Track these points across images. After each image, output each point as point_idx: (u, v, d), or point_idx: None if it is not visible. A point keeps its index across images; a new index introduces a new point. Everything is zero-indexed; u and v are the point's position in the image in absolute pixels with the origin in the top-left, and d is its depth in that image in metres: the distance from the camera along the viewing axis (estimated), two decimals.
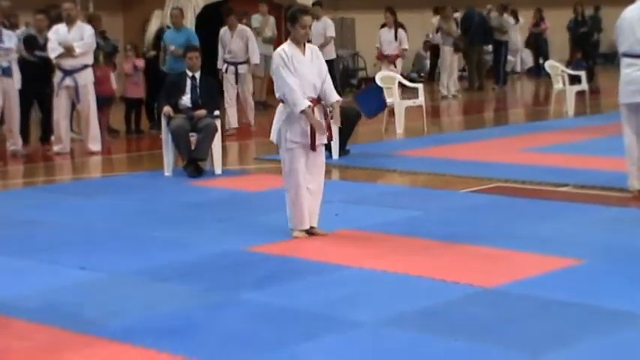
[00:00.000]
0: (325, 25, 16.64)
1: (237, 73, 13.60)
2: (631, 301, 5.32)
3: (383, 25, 16.84)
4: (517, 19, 22.20)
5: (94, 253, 6.70)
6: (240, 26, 13.79)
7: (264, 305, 5.42)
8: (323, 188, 7.09)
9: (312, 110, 6.85)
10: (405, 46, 16.23)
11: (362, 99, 11.66)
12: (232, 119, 13.43)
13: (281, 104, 6.97)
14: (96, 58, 12.30)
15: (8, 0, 12.37)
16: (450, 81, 18.87)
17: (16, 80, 11.39)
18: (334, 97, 6.96)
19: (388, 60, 16.00)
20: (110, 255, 6.64)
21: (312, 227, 7.01)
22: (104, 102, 12.58)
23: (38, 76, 11.75)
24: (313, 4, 17.40)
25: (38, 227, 7.60)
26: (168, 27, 13.94)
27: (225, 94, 13.41)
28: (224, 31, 13.68)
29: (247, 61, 13.66)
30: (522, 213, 7.84)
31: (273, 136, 7.02)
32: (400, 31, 16.30)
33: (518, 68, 23.82)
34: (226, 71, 13.59)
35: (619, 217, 7.60)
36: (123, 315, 5.28)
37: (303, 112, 6.75)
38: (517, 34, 22.20)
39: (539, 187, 9.01)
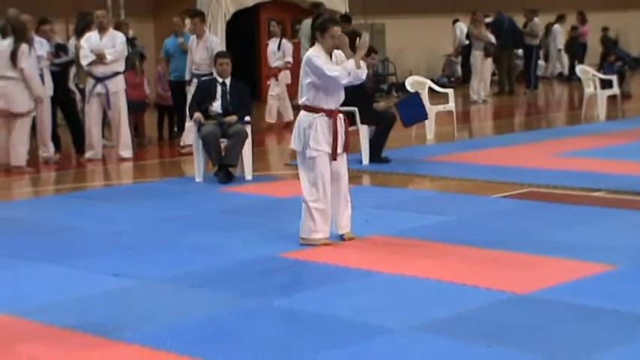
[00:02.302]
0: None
1: None
2: None
3: (270, 36, 15.80)
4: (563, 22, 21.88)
5: (126, 259, 6.74)
6: (208, 34, 12.39)
7: (296, 312, 5.42)
8: (349, 195, 7.08)
9: (335, 122, 6.87)
10: (289, 59, 14.90)
11: (402, 107, 11.57)
12: (186, 138, 11.93)
13: (303, 112, 6.95)
14: (132, 63, 12.43)
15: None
16: (480, 86, 18.80)
17: (47, 87, 11.50)
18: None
19: (270, 72, 15.26)
20: (142, 261, 6.67)
21: (344, 234, 7.04)
22: (139, 107, 12.76)
23: (58, 82, 11.80)
24: (312, 5, 17.43)
25: (70, 234, 7.65)
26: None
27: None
28: (192, 39, 12.33)
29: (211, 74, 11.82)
30: (554, 218, 7.79)
31: (294, 144, 7.01)
32: (284, 42, 15.18)
33: (565, 71, 23.35)
34: (189, 84, 12.16)
35: None
36: (155, 321, 5.30)
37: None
38: (562, 38, 21.76)
39: (571, 192, 8.95)
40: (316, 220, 6.89)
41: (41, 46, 11.43)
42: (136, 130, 12.97)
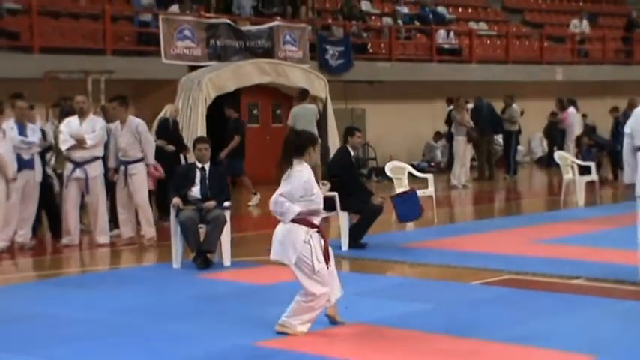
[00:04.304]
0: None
1: (126, 174, 11.68)
2: None
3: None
4: (577, 109, 22.00)
5: (99, 348, 6.60)
6: (132, 118, 11.79)
7: None
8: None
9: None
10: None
11: (399, 203, 11.57)
12: (124, 228, 11.86)
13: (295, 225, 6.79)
14: None
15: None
16: (461, 171, 18.92)
17: (37, 173, 11.48)
18: None
19: None
20: (115, 350, 6.54)
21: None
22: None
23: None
24: (300, 92, 17.72)
25: (41, 322, 7.50)
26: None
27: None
28: (115, 125, 11.78)
29: (141, 160, 11.72)
30: (534, 306, 7.73)
31: (286, 256, 6.81)
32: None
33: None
34: (117, 172, 11.77)
35: (632, 311, 7.48)
36: None
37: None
38: (578, 124, 21.76)
39: (550, 279, 8.92)
40: (314, 310, 6.83)
41: (34, 133, 11.44)
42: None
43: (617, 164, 19.34)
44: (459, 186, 18.61)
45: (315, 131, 16.65)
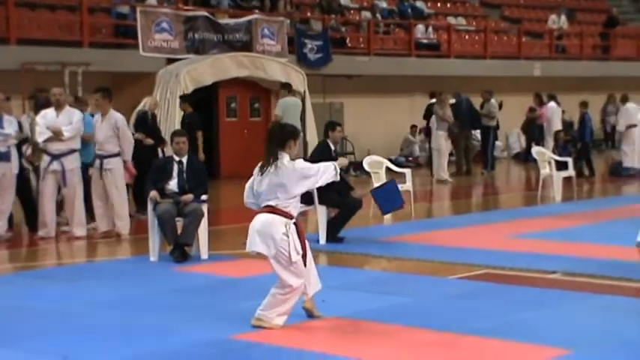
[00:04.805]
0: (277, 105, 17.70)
1: (102, 168, 11.60)
2: None
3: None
4: (558, 103, 21.98)
5: (76, 341, 6.56)
6: (112, 112, 11.69)
7: None
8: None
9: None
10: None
11: (379, 195, 11.55)
12: (101, 222, 11.77)
13: (275, 216, 6.76)
14: None
15: None
16: (442, 165, 19.01)
17: (14, 165, 11.38)
18: None
19: None
20: (92, 343, 6.50)
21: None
22: None
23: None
24: (280, 86, 17.89)
25: (18, 314, 7.46)
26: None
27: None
28: (97, 117, 11.82)
29: (117, 155, 11.62)
30: (511, 300, 7.75)
31: (264, 247, 6.75)
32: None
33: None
34: (92, 165, 11.70)
35: (609, 305, 7.52)
36: None
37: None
38: (558, 119, 21.57)
39: (527, 273, 8.95)
40: (291, 302, 6.83)
41: (10, 124, 11.35)
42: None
43: (589, 159, 19.46)
44: (449, 180, 18.68)
45: (299, 124, 16.79)
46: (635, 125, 19.99)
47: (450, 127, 19.31)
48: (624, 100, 20.65)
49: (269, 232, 6.73)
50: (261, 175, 6.82)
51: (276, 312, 6.81)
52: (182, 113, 16.44)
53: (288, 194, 6.76)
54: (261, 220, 6.80)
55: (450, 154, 20.43)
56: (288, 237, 6.70)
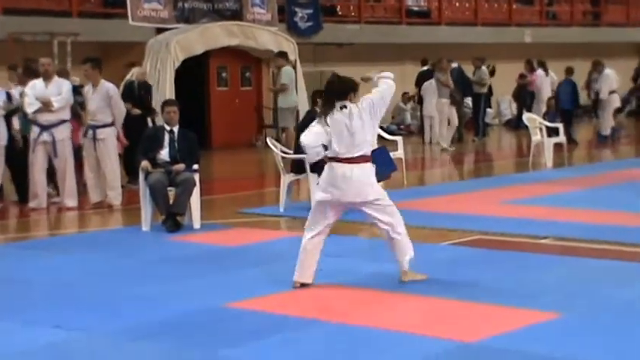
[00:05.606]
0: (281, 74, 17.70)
1: (95, 139, 11.55)
2: (608, 354, 5.29)
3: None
4: (546, 71, 21.92)
5: (70, 311, 6.59)
6: (103, 82, 11.62)
7: None
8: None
9: None
10: None
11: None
12: (92, 193, 11.68)
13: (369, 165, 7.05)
14: (75, 111, 12.22)
15: None
16: (448, 133, 19.04)
17: (2, 136, 11.34)
18: None
19: None
20: (86, 313, 6.52)
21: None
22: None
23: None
24: (276, 55, 17.90)
25: (12, 285, 7.47)
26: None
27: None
28: (87, 88, 11.75)
29: (111, 125, 11.60)
30: (502, 266, 7.80)
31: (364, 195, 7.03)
32: None
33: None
34: (85, 135, 11.71)
35: (598, 270, 7.57)
36: None
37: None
38: (547, 86, 21.48)
39: (519, 239, 8.99)
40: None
41: None
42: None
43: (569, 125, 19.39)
44: (450, 148, 18.68)
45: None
46: (615, 91, 20.09)
47: (452, 94, 19.29)
48: (596, 65, 20.61)
49: (367, 181, 6.97)
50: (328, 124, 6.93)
51: (409, 254, 7.02)
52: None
53: (375, 129, 7.08)
54: (357, 171, 6.92)
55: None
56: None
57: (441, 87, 19.22)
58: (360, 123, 6.93)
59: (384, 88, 7.14)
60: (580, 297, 6.60)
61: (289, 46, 19.68)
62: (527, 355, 5.32)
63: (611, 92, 20.02)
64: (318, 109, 11.13)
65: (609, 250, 8.26)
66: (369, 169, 7.05)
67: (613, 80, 20.05)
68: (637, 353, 5.31)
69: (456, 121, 19.51)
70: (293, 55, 19.58)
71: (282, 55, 18.28)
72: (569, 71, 20.00)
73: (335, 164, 6.96)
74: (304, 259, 7.01)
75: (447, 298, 6.65)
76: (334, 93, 7.01)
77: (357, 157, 6.93)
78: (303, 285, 7.03)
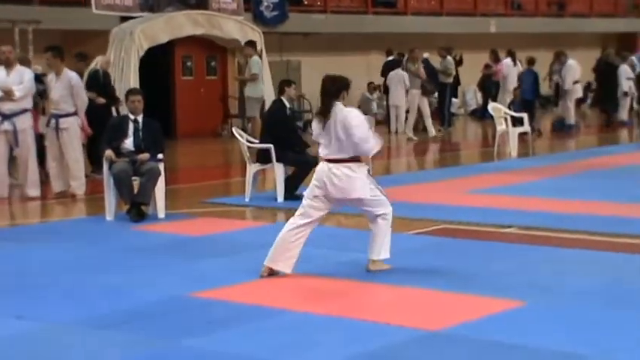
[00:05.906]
0: (250, 64, 17.59)
1: (57, 128, 11.46)
2: (571, 342, 5.32)
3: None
4: (514, 60, 21.92)
5: (32, 301, 6.51)
6: (66, 70, 11.56)
7: (208, 353, 5.29)
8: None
9: None
10: None
11: None
12: (55, 182, 11.58)
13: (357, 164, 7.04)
14: (36, 101, 12.09)
15: None
16: (410, 123, 19.11)
17: None
18: None
19: None
20: (49, 303, 6.46)
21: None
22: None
23: None
24: (245, 44, 17.94)
25: None
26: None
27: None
28: (50, 77, 11.67)
29: (73, 114, 11.50)
30: (467, 255, 7.82)
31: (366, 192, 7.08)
32: None
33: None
34: (48, 124, 11.57)
35: (562, 258, 7.62)
36: None
37: None
38: (514, 76, 21.54)
39: (484, 228, 9.03)
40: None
41: None
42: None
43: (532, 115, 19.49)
44: (415, 138, 18.73)
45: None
46: (578, 82, 20.29)
47: (424, 84, 19.33)
48: (558, 56, 20.76)
49: (363, 179, 7.05)
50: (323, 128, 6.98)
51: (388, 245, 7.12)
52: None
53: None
54: (342, 172, 6.98)
55: (407, 111, 20.46)
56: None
57: (412, 77, 19.25)
58: (341, 126, 6.95)
59: (360, 136, 6.98)
60: (544, 286, 6.64)
61: (255, 35, 19.61)
62: (492, 343, 5.35)
63: (575, 82, 20.22)
64: (284, 99, 11.16)
65: (574, 239, 8.32)
66: (357, 167, 7.02)
67: (576, 71, 20.26)
68: (601, 341, 5.35)
69: (427, 112, 19.56)
70: (259, 45, 19.52)
71: (252, 44, 18.23)
72: (531, 61, 20.10)
73: (323, 163, 7.05)
74: (281, 244, 6.98)
75: (413, 286, 6.67)
76: (329, 93, 7.05)
77: (344, 158, 6.98)
78: (271, 272, 7.00)
